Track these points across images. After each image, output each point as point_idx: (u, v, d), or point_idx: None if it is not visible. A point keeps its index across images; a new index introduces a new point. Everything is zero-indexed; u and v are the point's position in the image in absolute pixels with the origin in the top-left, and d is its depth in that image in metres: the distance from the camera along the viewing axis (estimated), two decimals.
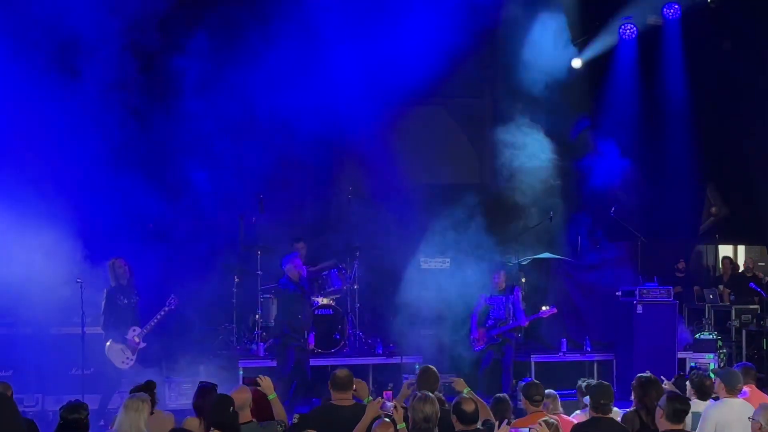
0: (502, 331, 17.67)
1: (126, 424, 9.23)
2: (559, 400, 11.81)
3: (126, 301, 15.70)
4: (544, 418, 9.34)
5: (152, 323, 15.68)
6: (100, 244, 16.52)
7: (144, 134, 17.45)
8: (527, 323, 18.00)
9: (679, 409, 9.18)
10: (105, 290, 15.72)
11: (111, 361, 15.52)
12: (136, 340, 15.54)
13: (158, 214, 17.28)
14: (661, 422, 9.26)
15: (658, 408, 9.39)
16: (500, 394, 11.17)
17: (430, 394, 9.44)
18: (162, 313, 15.75)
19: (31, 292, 15.51)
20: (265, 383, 10.61)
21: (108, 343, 15.55)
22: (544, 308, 18.13)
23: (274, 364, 16.73)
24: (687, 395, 11.41)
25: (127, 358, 15.54)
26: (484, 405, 10.40)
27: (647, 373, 10.77)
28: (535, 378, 13.85)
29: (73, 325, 16.14)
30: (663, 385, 10.83)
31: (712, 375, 12.71)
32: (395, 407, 9.54)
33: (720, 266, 23.75)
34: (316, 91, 18.54)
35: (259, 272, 18.06)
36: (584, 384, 11.91)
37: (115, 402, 14.98)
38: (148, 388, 10.14)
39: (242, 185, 18.31)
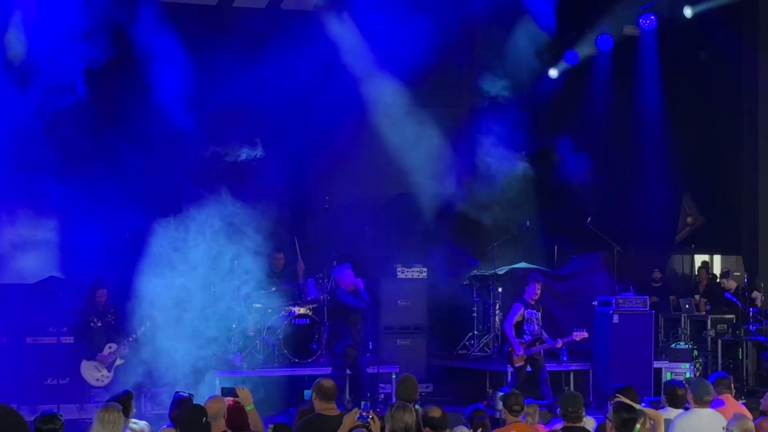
0: (540, 350, 17.21)
1: None
2: (538, 409, 11.83)
3: (99, 324, 15.67)
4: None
5: (132, 338, 15.62)
6: (77, 254, 16.51)
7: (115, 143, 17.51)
8: (560, 344, 17.55)
9: (626, 419, 9.21)
10: (79, 311, 15.71)
11: (85, 379, 15.48)
12: (112, 357, 15.48)
13: (134, 224, 17.27)
14: None
15: (606, 420, 9.44)
16: (476, 405, 11.18)
17: (407, 403, 9.44)
18: (142, 329, 15.69)
19: (7, 301, 15.48)
20: (243, 394, 10.55)
21: (82, 363, 15.53)
22: (576, 332, 17.79)
23: (251, 373, 16.75)
24: (661, 404, 11.49)
25: (103, 375, 15.50)
26: None
27: (622, 384, 10.81)
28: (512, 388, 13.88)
29: (49, 335, 16.08)
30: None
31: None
32: (372, 418, 9.53)
33: (696, 274, 23.84)
34: (293, 100, 18.57)
35: (235, 282, 18.02)
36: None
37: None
38: (126, 398, 10.10)
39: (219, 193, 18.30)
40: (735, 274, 23.18)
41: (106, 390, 14.93)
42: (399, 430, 8.98)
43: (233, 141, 18.59)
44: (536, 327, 17.36)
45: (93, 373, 15.46)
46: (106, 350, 15.49)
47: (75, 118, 16.61)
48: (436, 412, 9.38)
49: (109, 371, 15.49)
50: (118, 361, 15.54)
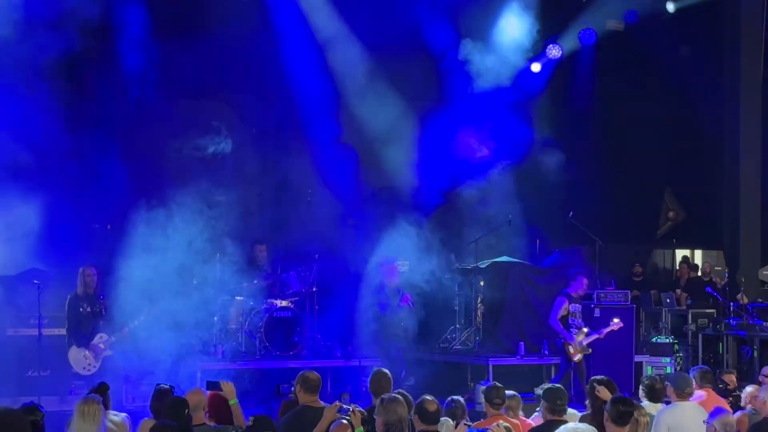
0: (588, 341, 17.38)
1: (83, 430, 9.13)
2: (521, 402, 11.80)
3: (89, 310, 15.58)
4: (503, 423, 9.35)
5: (125, 331, 15.55)
6: (59, 246, 16.45)
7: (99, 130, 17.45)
8: (604, 334, 17.63)
9: (623, 411, 9.18)
10: (68, 297, 15.63)
11: (72, 366, 15.41)
12: (102, 346, 15.43)
13: (116, 215, 17.23)
14: (608, 425, 9.28)
15: (604, 412, 9.42)
16: (455, 397, 11.16)
17: (398, 396, 9.42)
18: (136, 322, 15.63)
19: None
20: (228, 388, 10.55)
21: (71, 349, 15.45)
22: (615, 321, 17.84)
23: (234, 365, 16.77)
24: (639, 398, 11.52)
25: (89, 364, 15.42)
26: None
27: (600, 377, 10.83)
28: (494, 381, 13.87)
29: (29, 327, 16.03)
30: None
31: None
32: (353, 411, 9.51)
33: (677, 268, 23.93)
34: (274, 91, 18.56)
35: (217, 274, 17.99)
36: (541, 391, 11.95)
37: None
38: (100, 390, 10.05)
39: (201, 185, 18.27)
40: (716, 268, 23.31)
41: (87, 381, 14.86)
42: (393, 422, 8.80)
43: (201, 135, 18.58)
44: (580, 321, 17.51)
45: (81, 361, 15.36)
46: (97, 339, 15.40)
47: (50, 107, 16.51)
48: (432, 405, 9.35)
49: (96, 361, 15.42)
50: (108, 352, 15.47)
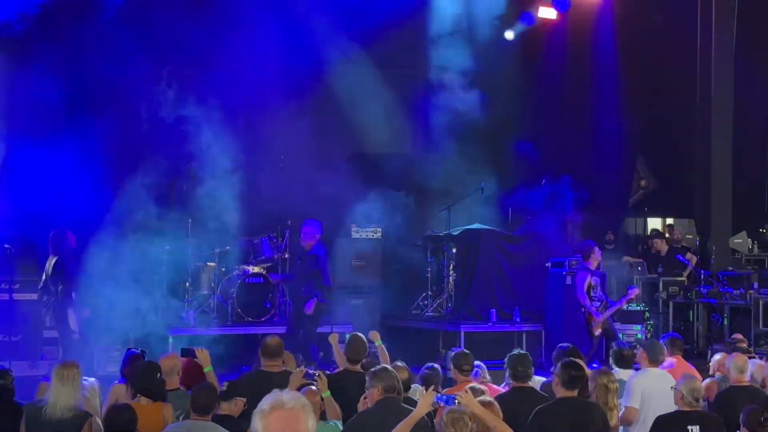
0: (609, 313, 17.22)
1: (63, 395, 9.12)
2: (486, 370, 11.84)
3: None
4: (471, 385, 9.41)
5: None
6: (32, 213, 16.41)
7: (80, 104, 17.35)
8: (624, 304, 17.71)
9: (574, 376, 9.26)
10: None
11: (69, 325, 15.35)
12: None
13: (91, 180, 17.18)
14: (557, 389, 9.35)
15: (554, 376, 9.49)
16: (431, 364, 11.22)
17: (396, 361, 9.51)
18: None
19: None
20: (203, 355, 10.62)
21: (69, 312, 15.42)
22: (630, 289, 17.91)
23: (206, 331, 16.79)
24: (609, 364, 11.61)
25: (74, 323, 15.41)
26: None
27: (567, 345, 10.90)
28: (465, 348, 13.93)
29: (1, 292, 15.99)
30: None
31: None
32: (319, 375, 9.58)
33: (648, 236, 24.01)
34: (249, 58, 18.48)
35: (189, 239, 17.96)
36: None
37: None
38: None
39: (174, 151, 18.20)
40: (687, 236, 23.42)
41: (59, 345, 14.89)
42: (390, 387, 8.82)
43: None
44: (600, 292, 17.41)
45: (73, 325, 15.34)
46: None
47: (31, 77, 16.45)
48: (404, 373, 9.41)
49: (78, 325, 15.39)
50: (86, 313, 15.41)
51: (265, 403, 4.90)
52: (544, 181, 20.17)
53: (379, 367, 9.17)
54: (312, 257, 16.88)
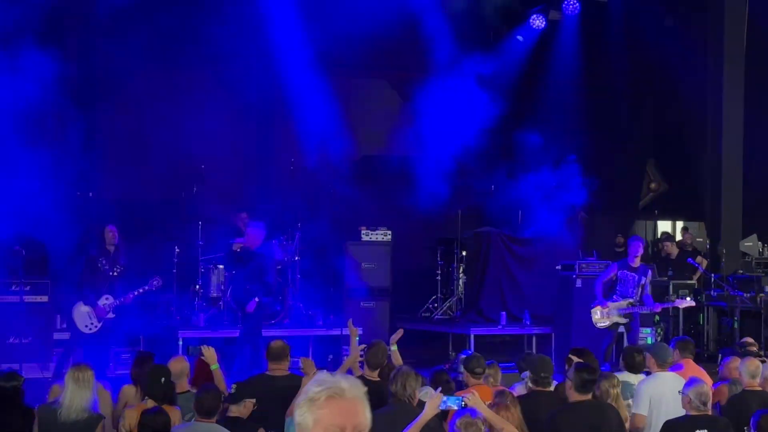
0: (632, 311, 16.36)
1: (78, 397, 9.15)
2: (500, 371, 11.83)
3: (107, 267, 15.47)
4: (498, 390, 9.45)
5: (129, 296, 15.46)
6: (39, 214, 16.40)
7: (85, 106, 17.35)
8: (660, 309, 17.21)
9: (586, 380, 9.24)
10: (88, 253, 15.57)
11: (75, 323, 15.29)
12: (106, 308, 15.31)
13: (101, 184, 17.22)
14: (570, 393, 9.34)
15: (567, 379, 9.47)
16: (439, 367, 11.22)
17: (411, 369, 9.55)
18: (141, 290, 15.55)
19: None
20: (209, 353, 10.65)
21: (77, 305, 15.31)
22: (683, 298, 17.37)
23: (214, 334, 16.77)
24: (619, 368, 11.56)
25: (92, 323, 15.30)
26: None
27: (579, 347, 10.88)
28: (475, 351, 13.92)
29: (11, 294, 15.99)
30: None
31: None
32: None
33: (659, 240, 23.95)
34: (259, 63, 18.49)
35: (200, 242, 17.98)
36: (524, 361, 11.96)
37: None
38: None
39: (183, 156, 18.23)
40: (698, 240, 23.37)
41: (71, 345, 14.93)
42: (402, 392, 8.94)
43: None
44: (631, 289, 16.46)
45: (84, 318, 15.22)
46: (103, 301, 15.27)
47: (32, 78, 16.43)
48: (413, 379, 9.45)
49: (98, 321, 15.28)
50: (110, 315, 15.33)
51: (318, 389, 3.96)
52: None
53: (405, 369, 9.24)
54: (259, 255, 16.75)
